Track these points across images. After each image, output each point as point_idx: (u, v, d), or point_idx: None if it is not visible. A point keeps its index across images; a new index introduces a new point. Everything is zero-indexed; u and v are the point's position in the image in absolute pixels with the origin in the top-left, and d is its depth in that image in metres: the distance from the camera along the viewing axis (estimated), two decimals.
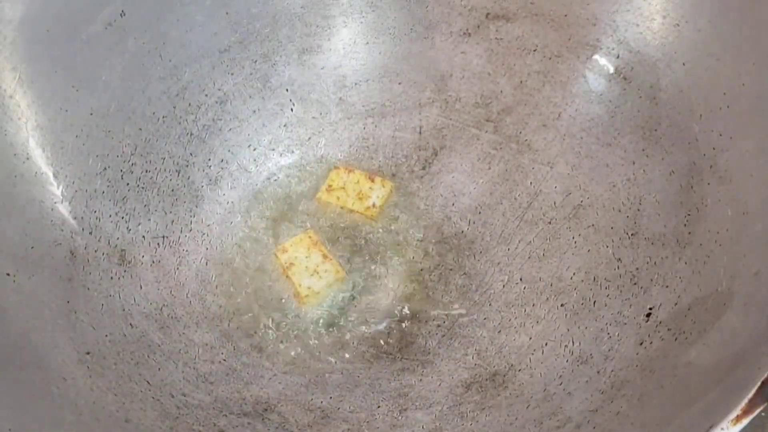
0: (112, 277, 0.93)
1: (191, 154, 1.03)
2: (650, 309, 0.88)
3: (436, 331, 0.94)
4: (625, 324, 0.89)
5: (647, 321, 0.87)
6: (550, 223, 1.00)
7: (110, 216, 0.96)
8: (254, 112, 1.06)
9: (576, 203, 0.99)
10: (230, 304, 0.96)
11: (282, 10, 1.06)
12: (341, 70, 1.09)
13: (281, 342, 0.93)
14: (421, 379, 0.91)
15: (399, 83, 1.08)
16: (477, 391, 0.89)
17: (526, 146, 1.04)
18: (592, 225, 0.98)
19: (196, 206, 1.02)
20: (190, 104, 1.03)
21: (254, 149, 1.06)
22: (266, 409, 0.89)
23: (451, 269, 0.98)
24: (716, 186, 0.88)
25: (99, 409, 0.82)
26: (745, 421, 0.65)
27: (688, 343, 0.81)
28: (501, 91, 1.06)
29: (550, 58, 1.04)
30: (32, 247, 0.89)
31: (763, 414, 0.67)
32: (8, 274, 0.85)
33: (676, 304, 0.86)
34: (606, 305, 0.92)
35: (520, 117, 1.05)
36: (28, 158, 0.92)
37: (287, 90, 1.07)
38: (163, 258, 0.97)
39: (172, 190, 1.01)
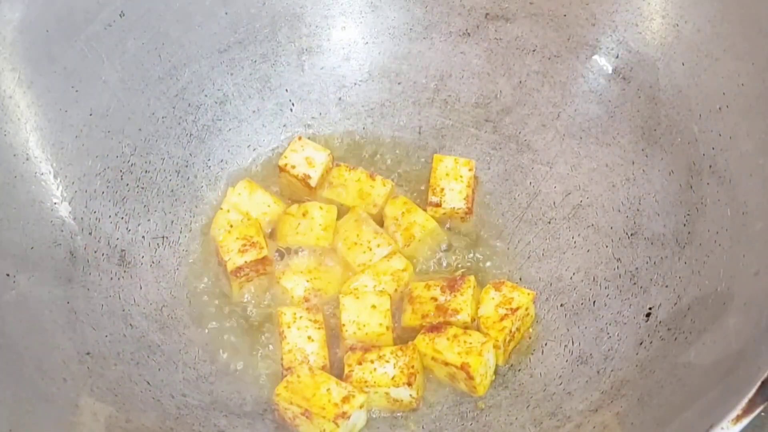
0: (112, 278, 0.93)
1: (191, 155, 1.03)
2: (650, 309, 0.88)
3: None
4: (625, 324, 0.89)
5: (647, 321, 0.88)
6: (549, 223, 1.00)
7: (110, 216, 0.96)
8: (254, 112, 1.06)
9: (575, 203, 1.00)
10: (231, 304, 0.96)
11: (282, 10, 1.06)
12: (341, 70, 1.09)
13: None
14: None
15: (399, 83, 1.09)
16: None
17: (525, 146, 1.04)
18: (592, 225, 0.98)
19: (196, 206, 1.02)
20: (189, 104, 1.03)
21: (254, 149, 1.06)
22: (266, 409, 0.89)
23: (450, 269, 0.98)
24: (716, 186, 0.88)
25: (99, 410, 0.82)
26: (745, 421, 0.65)
27: (688, 343, 0.82)
28: (500, 91, 1.06)
29: (549, 58, 1.04)
30: (32, 248, 0.89)
31: (763, 414, 0.67)
32: (8, 275, 0.85)
33: (675, 304, 0.86)
34: (606, 305, 0.92)
35: (519, 117, 1.05)
36: (27, 159, 0.92)
37: (287, 90, 1.07)
38: (163, 258, 0.97)
39: (172, 191, 1.01)
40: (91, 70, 0.96)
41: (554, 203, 1.01)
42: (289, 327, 0.90)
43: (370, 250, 0.96)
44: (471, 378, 0.86)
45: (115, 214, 0.96)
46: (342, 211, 1.00)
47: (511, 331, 0.89)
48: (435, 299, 0.91)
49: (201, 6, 1.02)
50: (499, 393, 0.89)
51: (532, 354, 0.91)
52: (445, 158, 1.01)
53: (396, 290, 0.94)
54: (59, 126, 0.94)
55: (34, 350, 0.83)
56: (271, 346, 0.93)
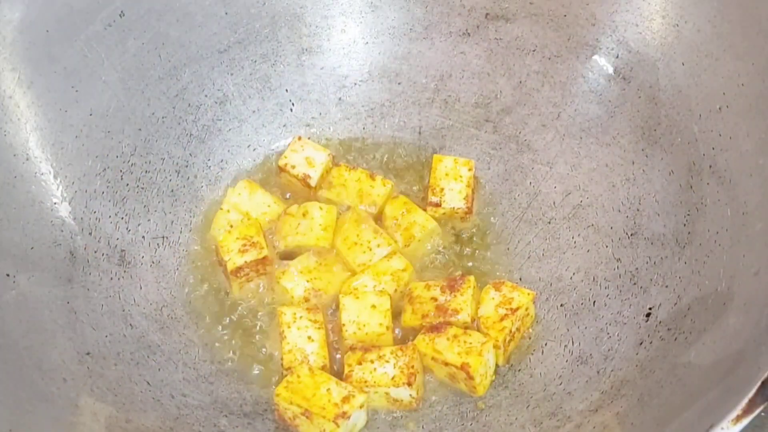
0: (111, 278, 0.93)
1: (191, 155, 1.03)
2: (650, 309, 0.88)
3: None
4: (625, 324, 0.89)
5: (647, 321, 0.88)
6: (549, 223, 1.00)
7: (110, 216, 0.96)
8: (254, 112, 1.06)
9: (575, 203, 1.00)
10: (230, 304, 0.96)
11: (282, 10, 1.06)
12: (341, 70, 1.09)
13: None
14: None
15: (399, 83, 1.09)
16: None
17: (525, 146, 1.04)
18: (592, 225, 0.98)
19: (196, 206, 1.02)
20: (189, 105, 1.03)
21: (254, 149, 1.06)
22: (266, 409, 0.89)
23: (450, 269, 0.98)
24: (716, 186, 0.88)
25: (99, 410, 0.82)
26: (745, 421, 0.65)
27: (688, 343, 0.82)
28: (500, 92, 1.06)
29: (549, 59, 1.04)
30: (32, 248, 0.89)
31: (763, 414, 0.67)
32: (8, 275, 0.86)
33: (675, 304, 0.86)
34: (606, 305, 0.92)
35: (519, 117, 1.05)
36: (27, 159, 0.92)
37: (287, 90, 1.07)
38: (163, 258, 0.97)
39: (172, 191, 1.01)
40: (91, 70, 0.96)
41: (554, 203, 1.01)
42: (289, 327, 0.90)
43: (370, 250, 0.96)
44: (471, 378, 0.86)
45: (115, 214, 0.97)
46: (342, 211, 1.00)
47: (511, 331, 0.89)
48: (435, 299, 0.91)
49: (201, 6, 1.02)
50: (499, 393, 0.89)
51: (532, 354, 0.91)
52: (445, 158, 1.01)
53: (396, 290, 0.94)
54: (59, 126, 0.94)
55: (34, 350, 0.83)
56: (271, 346, 0.93)
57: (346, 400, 0.84)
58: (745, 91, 0.88)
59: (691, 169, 0.91)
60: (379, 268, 0.95)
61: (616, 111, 1.00)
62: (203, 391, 0.89)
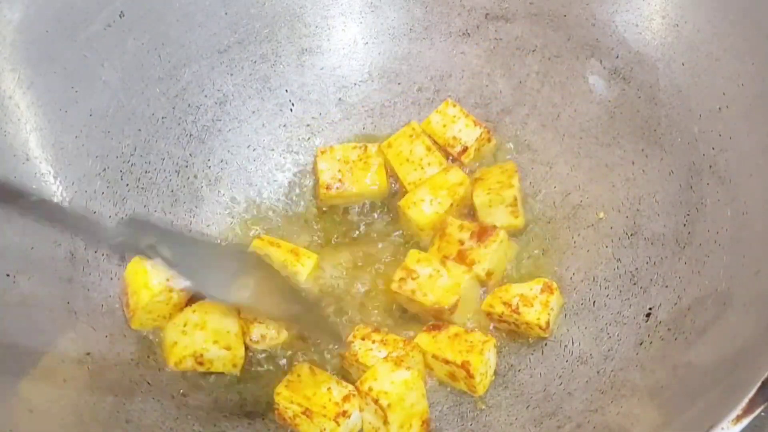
0: (112, 278, 0.93)
1: (191, 155, 1.03)
2: (650, 309, 0.88)
3: None
4: (625, 324, 0.89)
5: (647, 321, 0.88)
6: (549, 223, 1.00)
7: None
8: (254, 112, 1.06)
9: (575, 203, 1.00)
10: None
11: (281, 11, 1.06)
12: (341, 70, 1.09)
13: (281, 341, 0.93)
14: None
15: (398, 83, 1.09)
16: None
17: (525, 146, 1.04)
18: (592, 225, 0.98)
19: (196, 206, 1.02)
20: (189, 105, 1.03)
21: (254, 149, 1.06)
22: (266, 409, 0.89)
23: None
24: (716, 186, 0.88)
25: (99, 410, 0.82)
26: (745, 421, 0.65)
27: (688, 343, 0.82)
28: (500, 92, 1.06)
29: (549, 59, 1.04)
30: (32, 248, 0.89)
31: (763, 414, 0.67)
32: (8, 275, 0.85)
33: (675, 304, 0.86)
34: (606, 305, 0.92)
35: (519, 117, 1.05)
36: (27, 159, 0.92)
37: (287, 90, 1.07)
38: None
39: (172, 191, 1.01)
40: (91, 70, 0.96)
41: (554, 203, 1.01)
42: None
43: (422, 168, 1.00)
44: (471, 377, 0.86)
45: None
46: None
47: None
48: (462, 242, 0.94)
49: (201, 6, 1.02)
50: (499, 393, 0.89)
51: (532, 354, 0.91)
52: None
53: (452, 205, 0.97)
54: (59, 126, 0.94)
55: (34, 350, 0.83)
56: (270, 347, 0.93)
57: (346, 399, 0.84)
58: (745, 91, 0.88)
59: (691, 169, 0.91)
60: (436, 181, 0.99)
61: (616, 111, 1.00)
62: (203, 392, 0.89)
